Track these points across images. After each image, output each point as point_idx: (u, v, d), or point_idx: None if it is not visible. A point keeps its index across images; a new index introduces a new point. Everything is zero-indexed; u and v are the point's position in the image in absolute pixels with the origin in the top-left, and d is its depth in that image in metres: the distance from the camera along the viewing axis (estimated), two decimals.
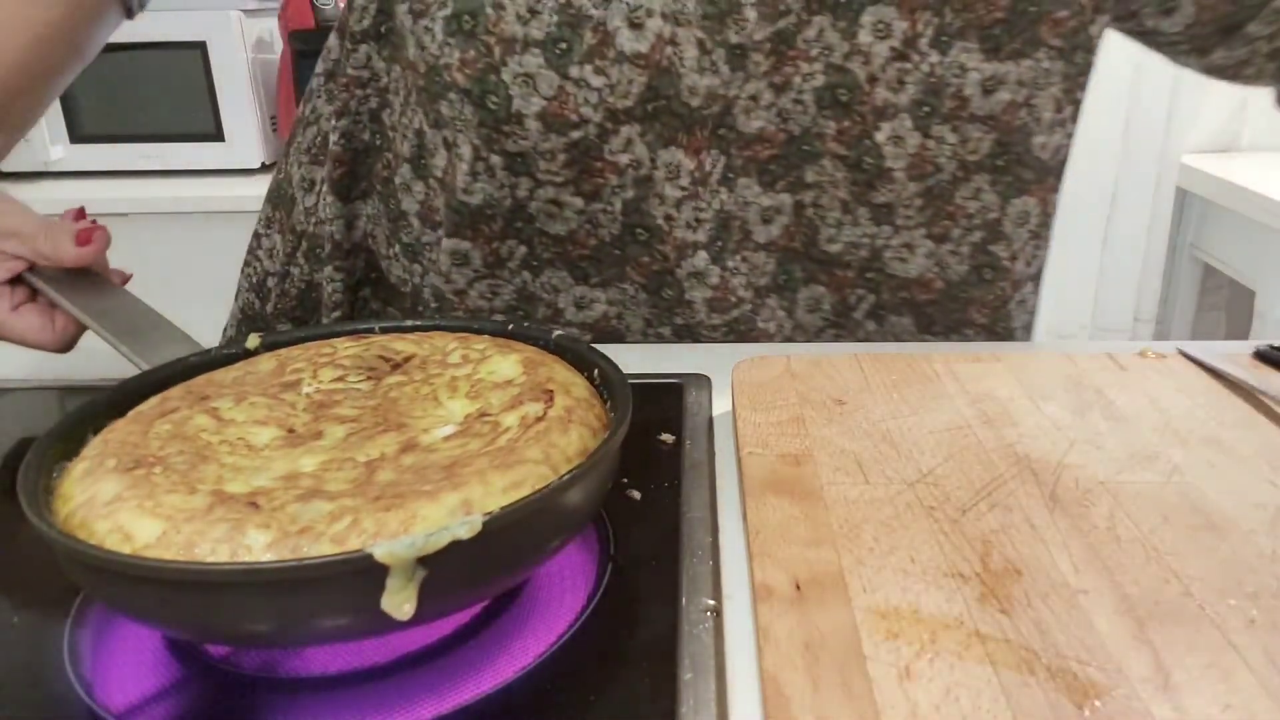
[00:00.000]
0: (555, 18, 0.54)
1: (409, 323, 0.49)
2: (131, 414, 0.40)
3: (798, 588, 0.35)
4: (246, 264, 0.75)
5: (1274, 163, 1.65)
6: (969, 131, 0.58)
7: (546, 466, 0.35)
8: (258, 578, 0.30)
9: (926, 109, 0.58)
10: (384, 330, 0.49)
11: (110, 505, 0.33)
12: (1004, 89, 0.57)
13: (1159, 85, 1.71)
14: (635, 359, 0.55)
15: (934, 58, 0.56)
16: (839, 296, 0.65)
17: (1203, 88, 1.69)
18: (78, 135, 1.65)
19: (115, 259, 0.57)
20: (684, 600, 0.36)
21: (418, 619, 0.30)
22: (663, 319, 0.65)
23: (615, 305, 0.65)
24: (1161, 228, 1.79)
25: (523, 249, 0.63)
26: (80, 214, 0.57)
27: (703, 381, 0.55)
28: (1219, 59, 0.64)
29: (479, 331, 0.47)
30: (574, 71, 0.55)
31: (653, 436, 0.49)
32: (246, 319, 0.75)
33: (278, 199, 0.73)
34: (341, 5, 1.61)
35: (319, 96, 0.69)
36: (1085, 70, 0.61)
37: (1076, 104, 0.62)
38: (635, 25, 0.54)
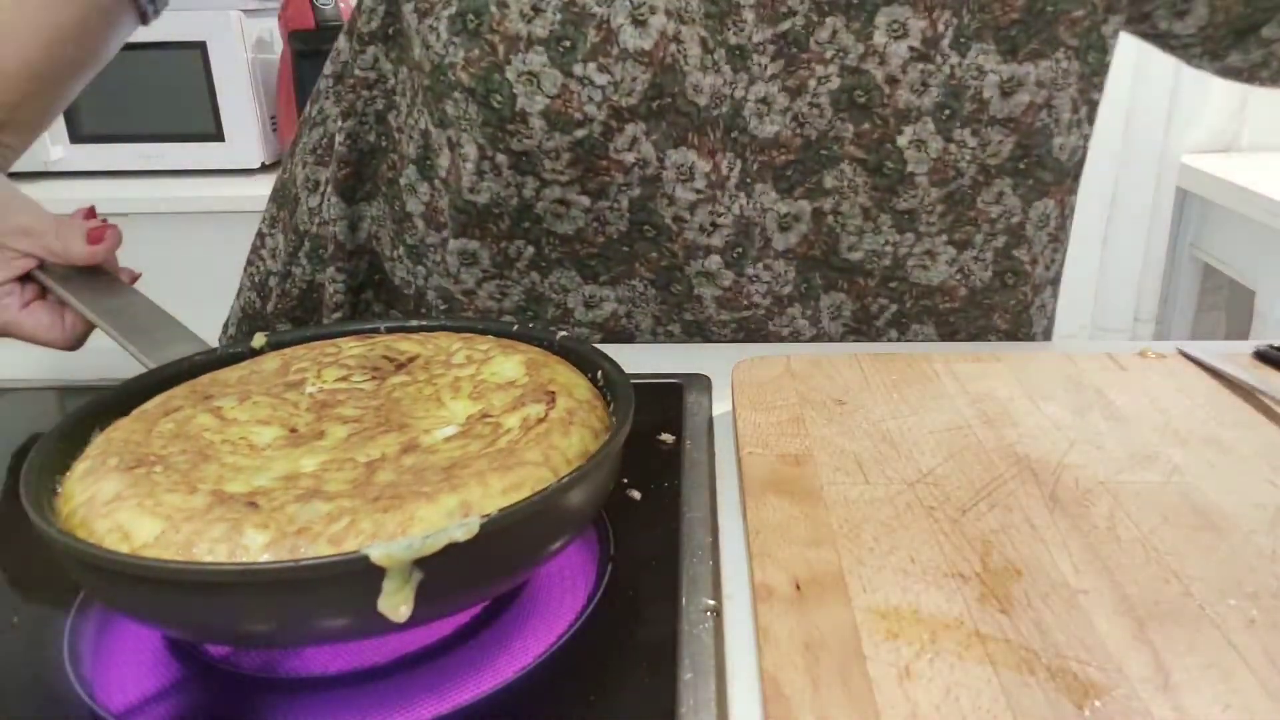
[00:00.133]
0: (559, 15, 0.54)
1: (414, 323, 0.49)
2: (135, 412, 0.40)
3: (798, 588, 0.35)
4: (249, 263, 0.75)
5: (1274, 163, 1.65)
6: (989, 134, 0.58)
7: (546, 469, 0.35)
8: (253, 578, 0.30)
9: (948, 112, 0.57)
10: (389, 330, 0.49)
11: (110, 504, 0.33)
12: (1023, 90, 0.57)
13: (1159, 85, 1.70)
14: (642, 360, 0.54)
15: (954, 59, 0.56)
16: (860, 304, 0.65)
17: (1203, 88, 1.69)
18: (78, 135, 1.65)
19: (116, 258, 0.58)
20: (684, 600, 0.36)
21: (415, 621, 0.30)
22: (671, 315, 0.65)
23: (624, 304, 0.65)
24: (1161, 227, 1.78)
25: (530, 249, 0.63)
26: (91, 213, 0.57)
27: (703, 381, 0.55)
28: (1234, 61, 0.63)
29: (483, 332, 0.47)
30: (578, 69, 0.55)
31: (653, 437, 0.49)
32: (247, 317, 0.75)
33: (282, 199, 0.73)
34: (343, 6, 1.62)
35: (326, 97, 0.69)
36: (1100, 70, 0.60)
37: (1092, 104, 0.61)
38: (639, 22, 0.54)
